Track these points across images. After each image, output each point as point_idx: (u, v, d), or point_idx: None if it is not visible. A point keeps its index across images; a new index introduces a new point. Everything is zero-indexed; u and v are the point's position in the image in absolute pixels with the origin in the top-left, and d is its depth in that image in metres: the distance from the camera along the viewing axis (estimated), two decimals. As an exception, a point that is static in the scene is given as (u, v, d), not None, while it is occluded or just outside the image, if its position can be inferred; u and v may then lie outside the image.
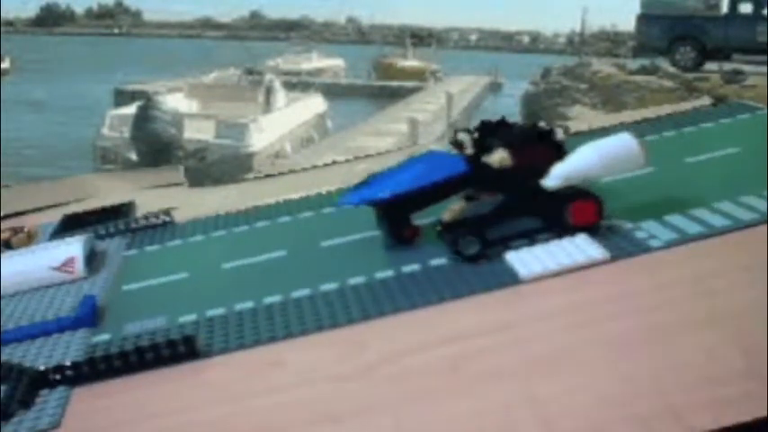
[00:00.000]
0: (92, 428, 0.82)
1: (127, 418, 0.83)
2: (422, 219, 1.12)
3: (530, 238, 1.06)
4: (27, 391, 0.86)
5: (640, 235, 1.03)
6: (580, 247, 1.00)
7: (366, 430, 0.75)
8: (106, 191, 1.74)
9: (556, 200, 1.04)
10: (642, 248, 0.99)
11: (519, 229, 1.07)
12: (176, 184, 1.86)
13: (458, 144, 1.11)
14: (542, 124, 1.12)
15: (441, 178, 1.07)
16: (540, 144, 1.09)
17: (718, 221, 1.04)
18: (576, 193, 1.05)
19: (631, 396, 0.71)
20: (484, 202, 1.10)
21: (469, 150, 1.10)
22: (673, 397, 0.70)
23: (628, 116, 1.74)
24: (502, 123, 1.13)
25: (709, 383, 0.71)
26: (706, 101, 1.72)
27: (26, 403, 0.85)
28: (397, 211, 1.10)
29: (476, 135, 1.11)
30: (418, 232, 1.11)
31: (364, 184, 1.12)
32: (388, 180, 1.09)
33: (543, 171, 1.05)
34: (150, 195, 1.69)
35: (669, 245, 1.00)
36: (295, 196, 1.43)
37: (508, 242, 1.05)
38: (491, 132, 1.11)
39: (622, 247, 1.00)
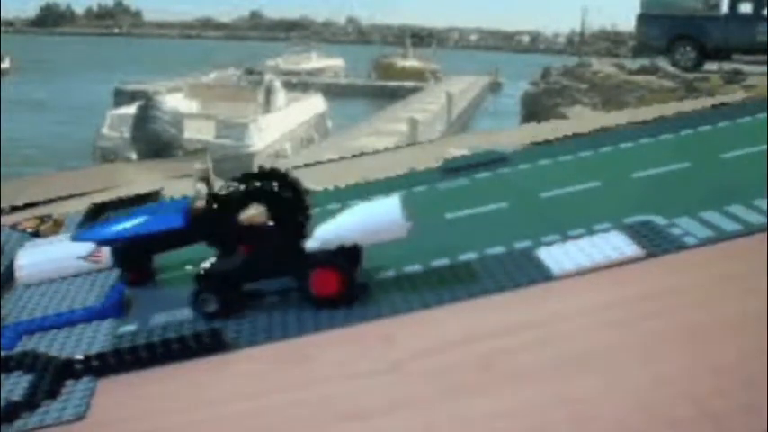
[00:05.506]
0: (117, 420, 0.81)
1: (152, 410, 0.82)
2: None
3: (282, 297, 1.02)
4: (53, 381, 0.86)
5: (675, 232, 1.01)
6: (614, 244, 0.98)
7: (395, 428, 0.74)
8: (134, 180, 1.73)
9: (304, 263, 0.99)
10: (677, 246, 0.98)
11: (271, 288, 1.03)
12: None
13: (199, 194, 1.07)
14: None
15: (157, 230, 1.05)
16: (290, 199, 1.02)
17: (755, 219, 1.00)
18: (321, 260, 0.98)
19: (665, 399, 0.70)
20: (237, 257, 1.04)
21: (201, 202, 1.05)
22: (707, 400, 0.69)
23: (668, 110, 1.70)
24: (268, 174, 1.05)
25: (743, 387, 0.70)
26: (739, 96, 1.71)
27: (52, 393, 0.84)
28: (124, 253, 1.09)
29: (237, 186, 1.05)
30: (139, 279, 1.10)
31: (102, 222, 1.11)
32: (116, 223, 1.07)
33: (301, 229, 1.01)
34: (179, 185, 1.69)
35: (705, 242, 0.97)
36: (318, 188, 1.43)
37: (256, 300, 1.02)
38: (248, 184, 1.05)
39: (657, 244, 0.98)
